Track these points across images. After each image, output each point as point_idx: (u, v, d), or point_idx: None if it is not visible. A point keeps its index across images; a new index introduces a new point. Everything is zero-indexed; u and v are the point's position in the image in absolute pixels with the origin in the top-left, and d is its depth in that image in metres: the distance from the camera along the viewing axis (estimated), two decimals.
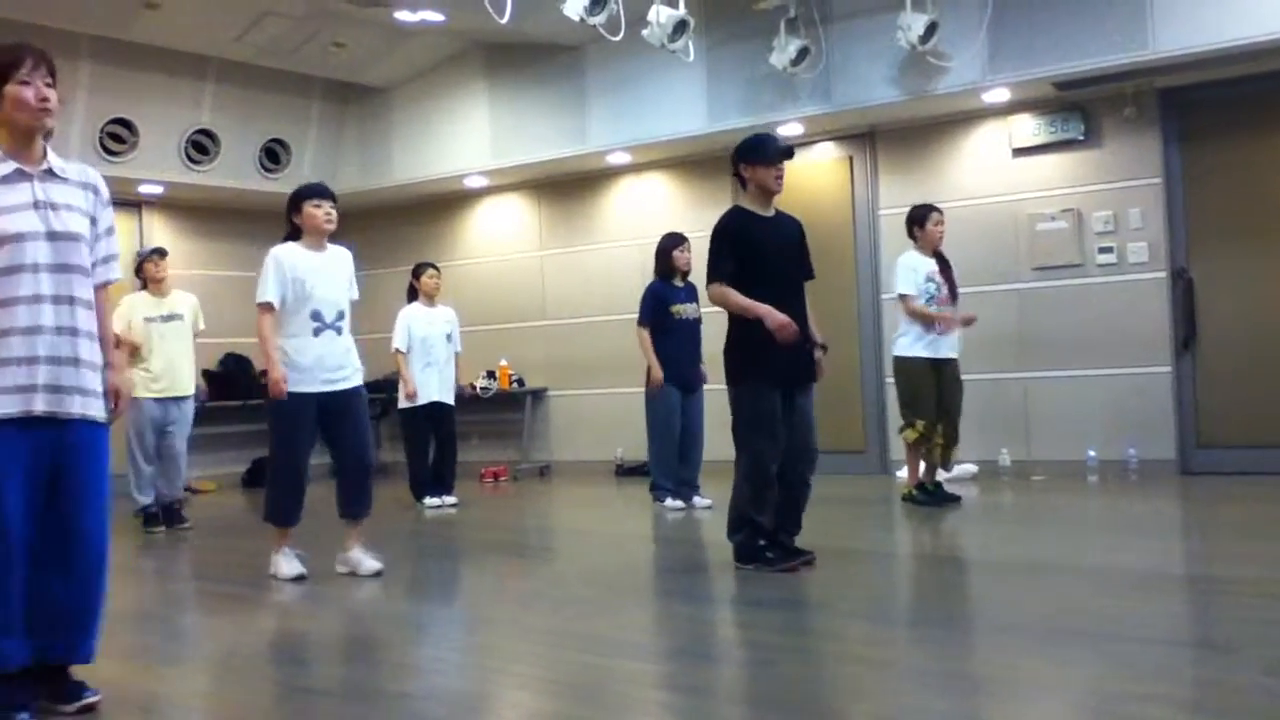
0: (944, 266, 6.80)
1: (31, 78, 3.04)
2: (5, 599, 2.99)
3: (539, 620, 4.34)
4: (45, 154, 3.12)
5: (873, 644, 3.74)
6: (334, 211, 5.16)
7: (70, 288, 3.07)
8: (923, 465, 6.90)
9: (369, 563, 5.20)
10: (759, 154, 4.95)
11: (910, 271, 6.72)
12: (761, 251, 4.88)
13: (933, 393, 6.71)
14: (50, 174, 3.11)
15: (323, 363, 5.04)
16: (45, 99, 3.05)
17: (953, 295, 6.81)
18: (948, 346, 6.78)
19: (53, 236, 3.04)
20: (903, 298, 6.75)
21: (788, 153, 5.01)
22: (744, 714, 3.11)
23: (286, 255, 5.08)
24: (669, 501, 7.19)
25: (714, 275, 4.90)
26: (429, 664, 3.84)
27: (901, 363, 6.81)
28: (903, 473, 8.31)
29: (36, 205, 3.04)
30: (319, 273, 5.08)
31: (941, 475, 8.09)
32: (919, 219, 6.85)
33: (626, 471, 9.71)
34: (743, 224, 4.97)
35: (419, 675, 3.65)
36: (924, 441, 6.72)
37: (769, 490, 4.87)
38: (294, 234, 5.17)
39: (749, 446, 4.88)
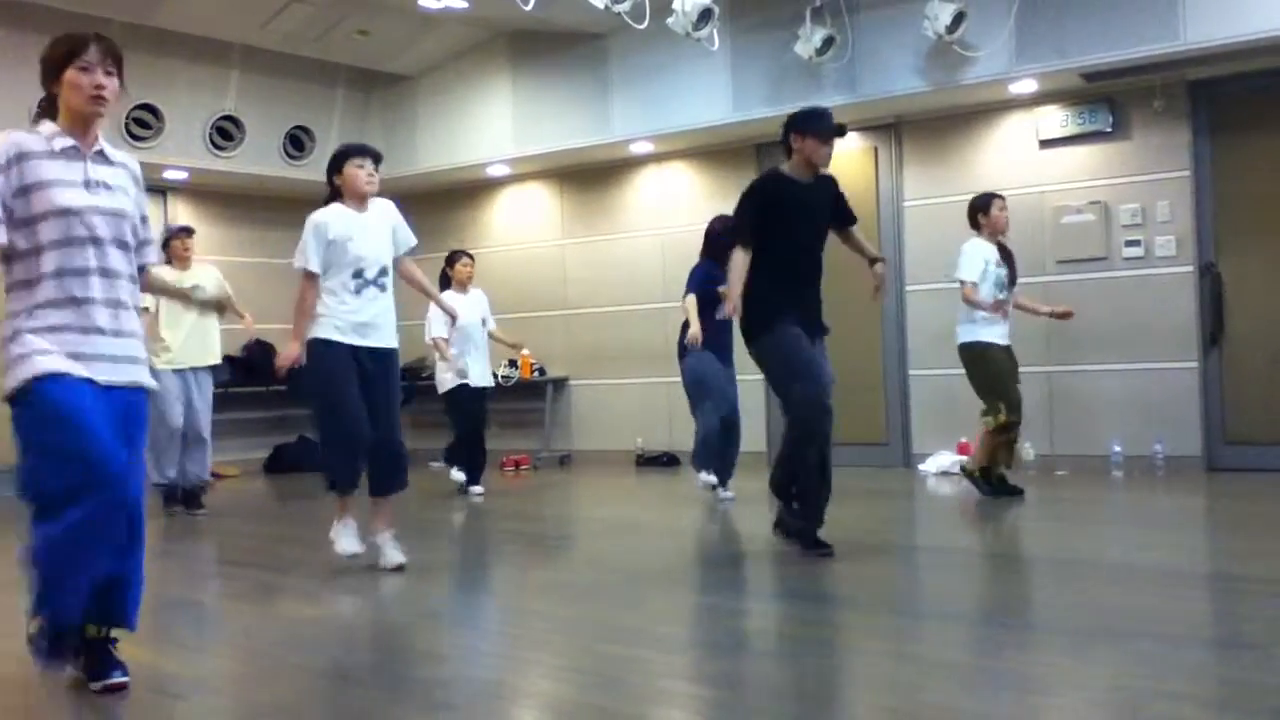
0: (1005, 254, 6.67)
1: (91, 65, 3.10)
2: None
3: (562, 609, 4.34)
4: (98, 138, 3.22)
5: (896, 638, 3.73)
6: (376, 173, 5.00)
7: (117, 261, 3.17)
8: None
9: (392, 554, 5.02)
10: (813, 126, 5.04)
11: (975, 258, 6.53)
12: (789, 214, 5.00)
13: (1012, 378, 6.57)
14: (101, 155, 3.21)
15: (361, 316, 4.89)
16: (101, 87, 3.12)
17: (1012, 282, 6.70)
18: (1008, 333, 6.67)
19: (104, 212, 3.14)
20: (962, 284, 6.53)
21: (841, 130, 5.10)
22: (766, 706, 3.10)
23: (325, 217, 4.91)
24: (706, 476, 7.00)
25: (736, 238, 5.08)
26: (452, 651, 3.85)
27: (975, 349, 6.57)
28: (925, 465, 8.32)
29: (88, 184, 3.13)
30: (362, 230, 4.92)
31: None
32: (983, 206, 6.67)
33: (647, 461, 9.72)
34: (774, 187, 5.07)
35: (442, 662, 3.66)
36: (1004, 431, 6.54)
37: (815, 439, 4.90)
38: (334, 196, 5.02)
39: (792, 391, 4.90)
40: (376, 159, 5.05)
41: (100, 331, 3.12)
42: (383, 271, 4.98)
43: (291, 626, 4.25)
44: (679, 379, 7.17)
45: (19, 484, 3.05)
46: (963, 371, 6.75)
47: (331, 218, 4.94)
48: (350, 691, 3.34)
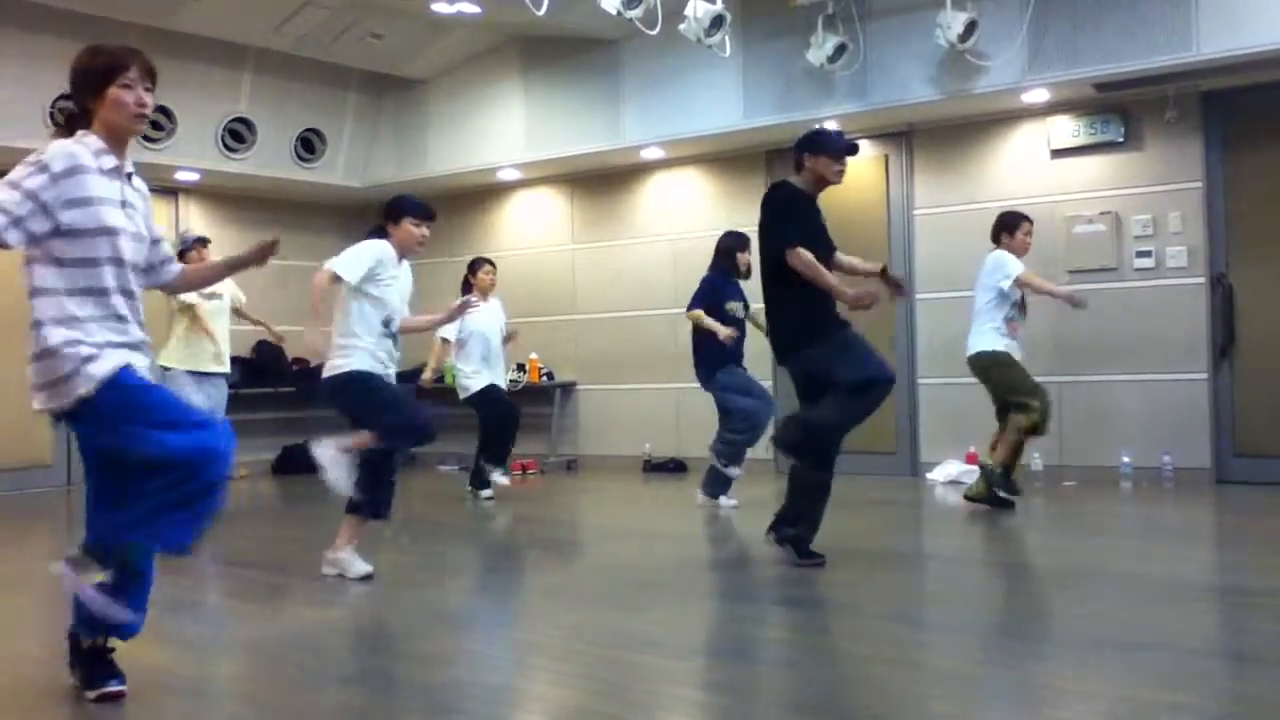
0: None
1: (134, 83, 3.09)
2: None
3: (567, 614, 4.34)
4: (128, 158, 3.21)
5: (902, 647, 3.72)
6: (428, 235, 5.14)
7: (135, 283, 3.18)
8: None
9: (359, 565, 5.00)
10: (825, 146, 5.08)
11: (1015, 266, 6.53)
12: (812, 230, 5.07)
13: (1030, 377, 6.54)
14: (130, 177, 3.21)
15: (380, 352, 4.99)
16: (144, 105, 3.11)
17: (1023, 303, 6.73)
18: (1020, 350, 6.67)
19: (131, 235, 3.14)
20: (1016, 280, 6.49)
21: (853, 148, 5.15)
22: (770, 713, 3.09)
23: (388, 257, 4.99)
24: (723, 500, 7.01)
25: (788, 240, 4.93)
26: (457, 656, 3.85)
27: (992, 357, 6.54)
28: (933, 474, 8.30)
29: (124, 204, 3.13)
30: (399, 284, 5.07)
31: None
32: (1010, 226, 6.66)
33: (655, 467, 9.71)
34: (798, 195, 5.09)
35: (447, 666, 3.67)
36: (1035, 432, 6.48)
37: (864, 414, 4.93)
38: (380, 234, 5.11)
39: (861, 376, 4.83)
40: (433, 220, 5.18)
41: (126, 347, 3.12)
42: (397, 324, 5.11)
43: (296, 628, 4.26)
44: (688, 385, 7.19)
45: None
46: (971, 380, 6.73)
47: (391, 260, 5.01)
48: (354, 694, 3.34)
